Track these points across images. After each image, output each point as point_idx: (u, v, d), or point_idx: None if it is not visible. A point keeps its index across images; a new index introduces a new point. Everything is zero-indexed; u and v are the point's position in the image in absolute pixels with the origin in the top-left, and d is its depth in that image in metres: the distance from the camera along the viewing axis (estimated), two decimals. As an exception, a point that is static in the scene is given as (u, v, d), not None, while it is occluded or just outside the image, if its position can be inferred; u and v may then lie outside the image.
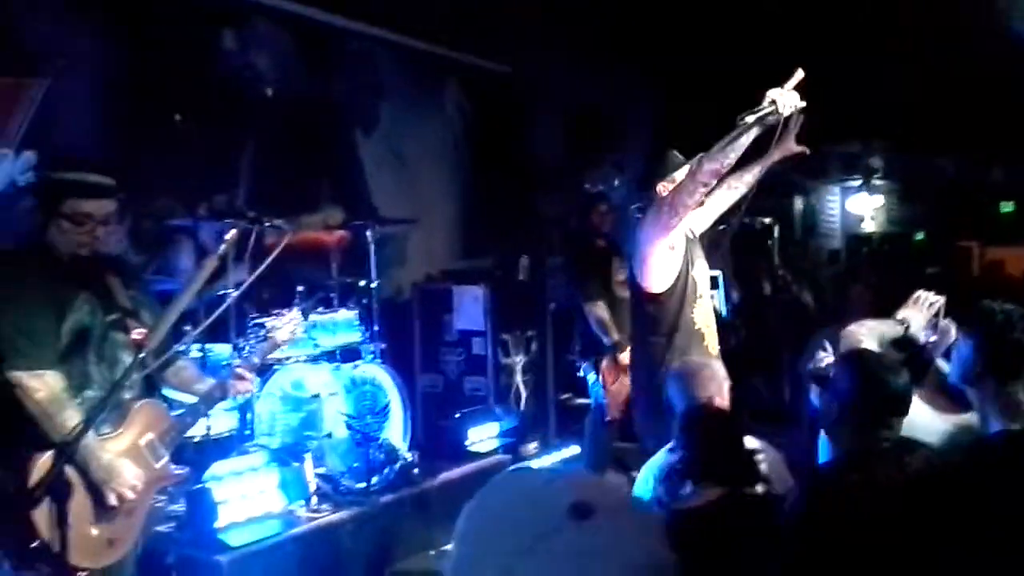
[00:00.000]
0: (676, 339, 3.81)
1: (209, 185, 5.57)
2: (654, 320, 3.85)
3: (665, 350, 3.80)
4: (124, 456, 2.80)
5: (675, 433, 3.06)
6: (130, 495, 2.74)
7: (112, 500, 2.72)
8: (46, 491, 2.53)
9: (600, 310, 5.47)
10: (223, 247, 2.90)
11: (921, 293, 3.32)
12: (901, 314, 3.29)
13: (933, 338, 3.31)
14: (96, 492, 2.71)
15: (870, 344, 3.07)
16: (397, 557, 4.93)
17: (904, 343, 3.22)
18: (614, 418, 5.43)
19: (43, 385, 2.67)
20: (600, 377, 5.50)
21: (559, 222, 8.41)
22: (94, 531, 2.73)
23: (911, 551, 2.07)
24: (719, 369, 3.46)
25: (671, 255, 3.78)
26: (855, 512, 2.15)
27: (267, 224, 3.15)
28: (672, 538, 0.99)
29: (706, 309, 3.93)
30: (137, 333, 2.88)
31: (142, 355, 2.67)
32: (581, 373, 5.79)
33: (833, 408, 2.48)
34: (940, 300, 3.30)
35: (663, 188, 3.82)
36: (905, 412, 2.43)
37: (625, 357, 5.23)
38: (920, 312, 3.28)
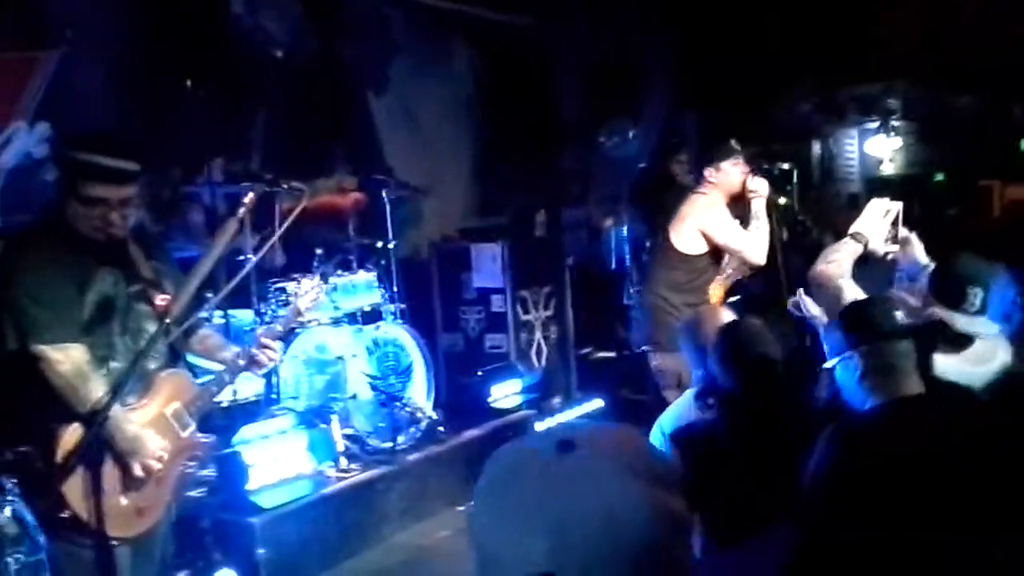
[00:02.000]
0: (694, 300, 4.34)
1: (221, 150, 5.56)
2: (679, 279, 4.44)
3: (683, 310, 4.27)
4: (150, 426, 2.80)
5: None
6: (156, 466, 2.75)
7: (138, 471, 2.72)
8: (75, 464, 2.53)
9: None
10: (242, 210, 2.85)
11: (874, 202, 3.32)
12: (854, 228, 3.27)
13: (894, 247, 3.26)
14: (123, 462, 2.72)
15: (847, 274, 3.06)
16: (426, 513, 4.99)
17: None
18: None
19: (67, 358, 2.66)
20: None
21: (575, 175, 8.37)
22: (123, 501, 2.75)
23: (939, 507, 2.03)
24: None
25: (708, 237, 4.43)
26: (886, 465, 2.11)
27: (285, 186, 3.09)
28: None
29: (724, 286, 4.52)
30: (161, 299, 2.85)
31: (167, 322, 2.64)
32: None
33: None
34: (897, 206, 3.27)
35: (710, 173, 4.47)
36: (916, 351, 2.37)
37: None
38: (874, 222, 3.26)
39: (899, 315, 2.35)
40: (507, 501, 1.00)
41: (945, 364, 2.59)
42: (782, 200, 4.62)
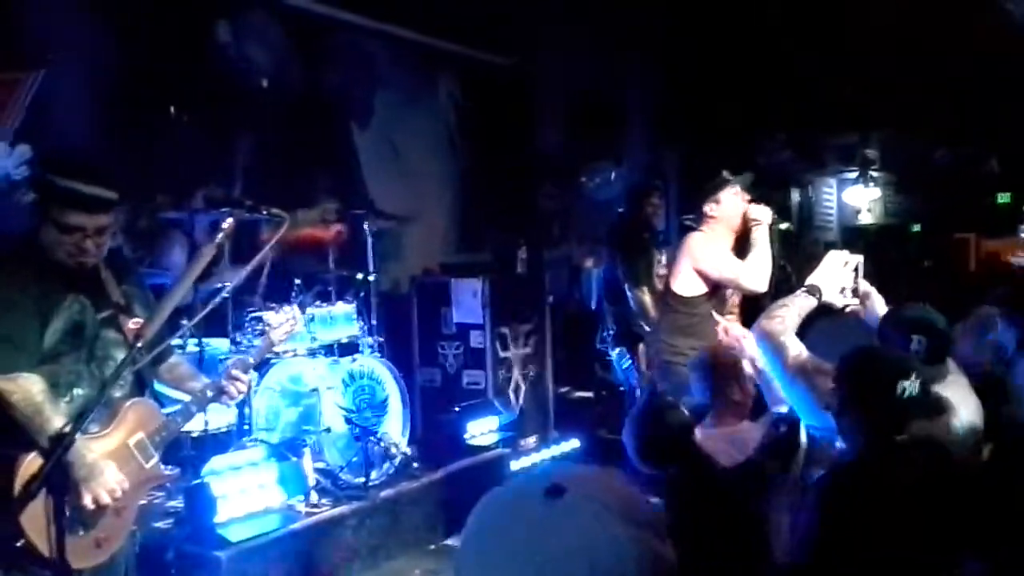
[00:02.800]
0: (700, 345, 4.07)
1: (204, 178, 5.53)
2: (682, 322, 4.35)
3: (689, 353, 4.06)
4: (111, 456, 2.73)
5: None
6: (105, 499, 2.65)
7: (87, 502, 2.62)
8: (33, 492, 2.44)
9: (645, 295, 5.73)
10: (220, 235, 2.81)
11: (833, 254, 3.27)
12: (810, 280, 3.20)
13: (854, 301, 3.22)
14: (79, 492, 2.64)
15: (790, 330, 2.98)
16: (397, 551, 4.90)
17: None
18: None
19: (17, 388, 2.60)
20: (635, 361, 5.63)
21: (557, 215, 8.39)
22: (81, 532, 2.67)
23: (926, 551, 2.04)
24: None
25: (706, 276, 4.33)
26: (870, 511, 2.11)
27: (265, 212, 3.05)
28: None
29: (736, 325, 4.22)
30: (133, 323, 2.80)
31: (139, 345, 2.58)
32: (614, 357, 5.90)
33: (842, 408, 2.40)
34: (856, 259, 3.23)
35: (710, 208, 4.34)
36: (921, 416, 2.36)
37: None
38: (832, 275, 3.19)
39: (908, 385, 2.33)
40: (494, 549, 0.98)
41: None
42: (784, 225, 4.48)
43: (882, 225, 10.53)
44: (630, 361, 5.71)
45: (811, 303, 3.12)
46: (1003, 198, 10.04)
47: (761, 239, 4.27)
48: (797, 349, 2.91)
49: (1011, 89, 7.58)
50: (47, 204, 2.67)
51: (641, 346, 5.66)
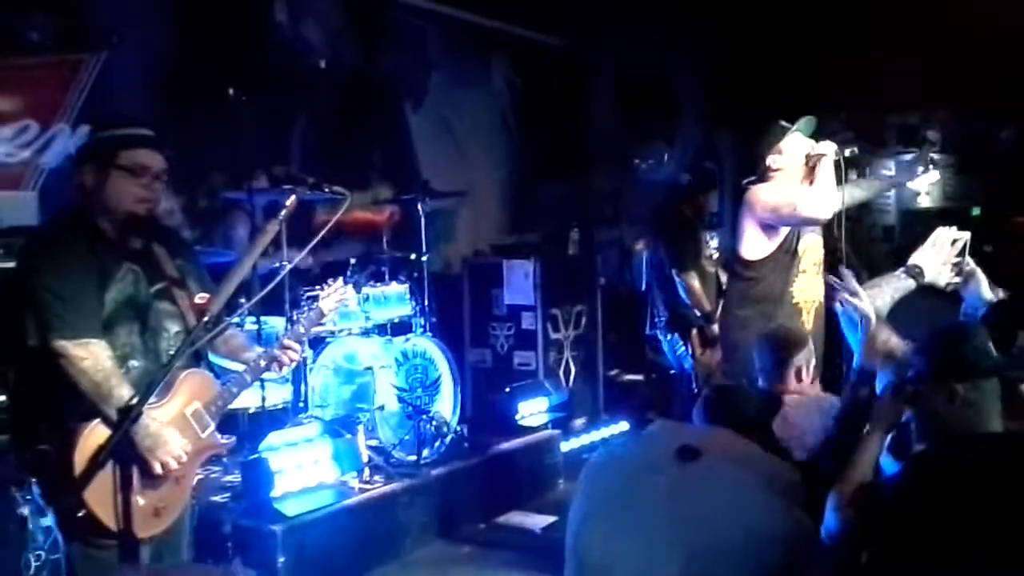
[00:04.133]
0: (772, 311, 3.83)
1: (261, 159, 5.59)
2: (749, 290, 3.95)
3: (759, 322, 3.82)
4: (170, 424, 2.78)
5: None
6: (174, 464, 2.72)
7: (157, 469, 2.70)
8: (95, 463, 2.47)
9: (693, 280, 5.59)
10: (283, 213, 2.85)
11: (940, 231, 3.06)
12: (913, 260, 3.01)
13: (957, 279, 3.03)
14: (141, 461, 2.69)
15: (880, 309, 2.82)
16: (448, 528, 4.96)
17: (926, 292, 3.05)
18: (701, 388, 5.45)
19: (88, 354, 2.64)
20: (689, 347, 5.56)
21: (610, 196, 8.36)
22: (141, 501, 2.71)
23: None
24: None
25: (771, 230, 3.91)
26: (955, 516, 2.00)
27: (327, 190, 3.08)
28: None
29: (810, 284, 3.93)
30: (199, 298, 2.85)
31: (205, 319, 2.62)
32: (665, 343, 5.83)
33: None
34: (964, 236, 3.04)
35: (772, 160, 3.91)
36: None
37: (714, 328, 5.36)
38: (938, 254, 3.01)
39: (993, 350, 2.24)
40: (629, 516, 0.93)
41: None
42: (849, 152, 3.90)
43: (941, 208, 10.30)
44: (684, 346, 5.65)
45: (909, 285, 2.96)
46: (1067, 180, 9.76)
47: (824, 168, 3.84)
48: (886, 334, 2.75)
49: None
50: (112, 154, 2.75)
51: (694, 331, 5.59)
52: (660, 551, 0.92)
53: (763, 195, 3.90)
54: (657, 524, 0.92)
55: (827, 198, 3.81)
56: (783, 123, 3.95)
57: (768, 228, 3.91)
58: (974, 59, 7.72)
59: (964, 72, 7.87)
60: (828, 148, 3.89)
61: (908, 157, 10.11)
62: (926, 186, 10.27)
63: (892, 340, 2.74)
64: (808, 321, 3.89)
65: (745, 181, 4.03)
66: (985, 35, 7.48)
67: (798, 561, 0.88)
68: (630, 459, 0.99)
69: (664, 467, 0.95)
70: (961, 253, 3.04)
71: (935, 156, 10.03)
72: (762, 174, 3.97)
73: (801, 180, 3.92)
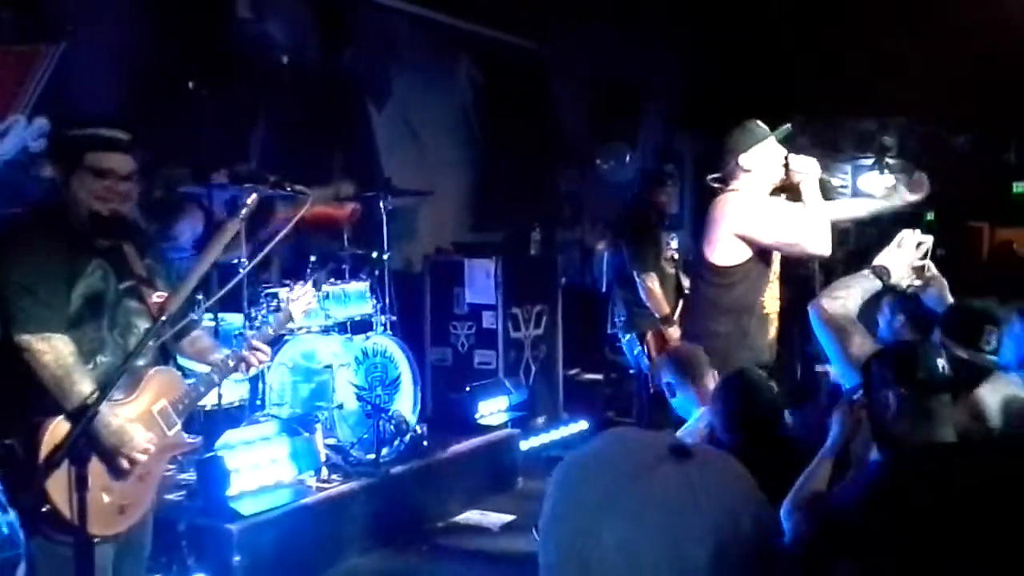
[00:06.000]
0: (746, 323, 3.65)
1: (221, 154, 5.55)
2: (720, 298, 3.68)
3: (730, 333, 3.64)
4: (136, 422, 2.77)
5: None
6: (141, 458, 2.72)
7: (124, 464, 2.69)
8: (59, 459, 2.47)
9: (652, 281, 5.60)
10: (244, 211, 2.85)
11: (906, 233, 3.04)
12: (879, 261, 3.00)
13: (918, 282, 3.05)
14: (106, 458, 2.68)
15: (853, 314, 2.85)
16: (407, 528, 4.96)
17: (888, 294, 3.09)
18: (656, 388, 5.49)
19: (50, 348, 2.63)
20: (645, 348, 5.61)
21: (572, 197, 8.39)
22: (106, 498, 2.71)
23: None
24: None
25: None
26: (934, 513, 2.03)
27: (288, 188, 3.08)
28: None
29: (775, 293, 3.77)
30: (158, 296, 2.84)
31: (164, 318, 2.62)
32: (624, 343, 5.88)
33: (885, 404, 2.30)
34: (927, 240, 3.04)
35: (744, 160, 3.63)
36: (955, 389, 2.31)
37: (673, 331, 5.40)
38: (904, 256, 3.01)
39: (943, 364, 2.28)
40: (651, 513, 0.91)
41: (988, 395, 2.55)
42: (835, 182, 3.89)
43: (895, 213, 10.46)
44: (640, 348, 5.71)
45: (876, 285, 2.94)
46: (1019, 187, 9.99)
47: (812, 194, 3.61)
48: (863, 337, 2.78)
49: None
50: (78, 155, 2.73)
51: (650, 333, 5.63)
52: (684, 542, 0.92)
53: (753, 219, 3.61)
54: (679, 515, 0.92)
55: (828, 231, 3.59)
56: (760, 124, 3.71)
57: (738, 241, 3.65)
58: (930, 64, 7.87)
59: (919, 77, 8.02)
60: (811, 167, 3.65)
61: (866, 162, 10.28)
62: (882, 190, 10.44)
63: (867, 344, 2.78)
64: (771, 332, 3.77)
65: (710, 178, 3.82)
66: (940, 40, 7.63)
67: (780, 548, 0.93)
68: (619, 458, 0.98)
69: (662, 464, 0.95)
70: (924, 256, 3.06)
71: (890, 161, 10.21)
72: (729, 173, 3.71)
73: (769, 187, 3.70)
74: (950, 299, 3.22)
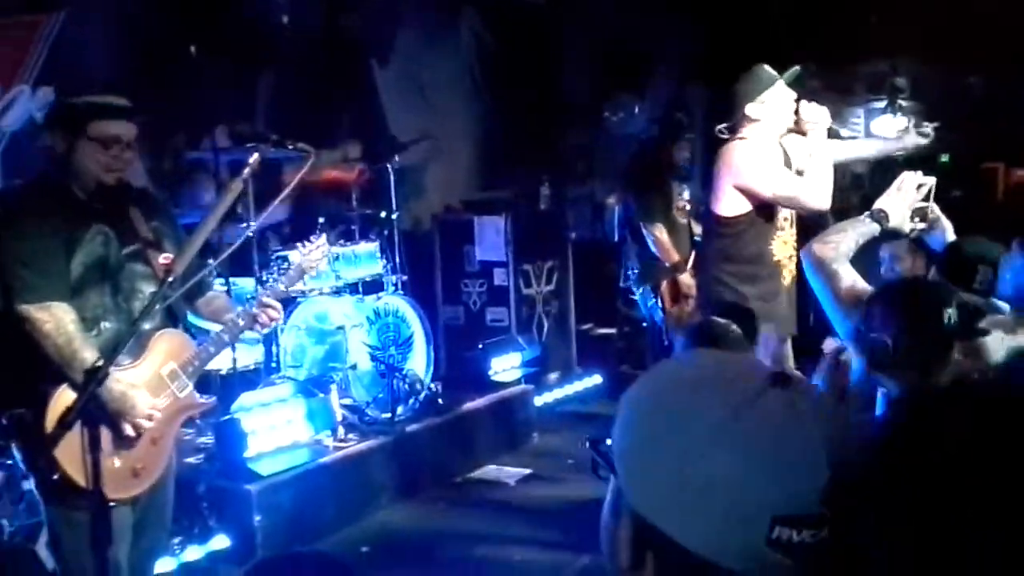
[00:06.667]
0: (753, 272, 3.66)
1: (227, 118, 5.53)
2: (728, 249, 3.70)
3: (741, 282, 3.66)
4: (143, 386, 2.78)
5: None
6: (145, 424, 2.73)
7: (128, 430, 2.70)
8: (66, 426, 2.48)
9: (660, 232, 5.57)
10: (247, 171, 2.82)
11: (906, 175, 2.95)
12: (878, 205, 2.92)
13: (921, 225, 2.96)
14: (111, 423, 2.69)
15: (844, 257, 2.75)
16: (424, 484, 5.02)
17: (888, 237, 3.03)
18: (670, 340, 5.48)
19: (51, 317, 2.64)
20: (659, 299, 5.59)
21: (581, 151, 8.33)
22: (117, 462, 2.73)
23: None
24: None
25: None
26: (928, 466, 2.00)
27: (291, 146, 3.05)
28: None
29: (787, 240, 3.75)
30: (164, 259, 2.83)
31: (170, 279, 2.62)
32: (638, 296, 5.86)
33: (880, 347, 2.23)
34: (930, 181, 2.95)
35: (752, 110, 3.59)
36: (965, 338, 2.24)
37: (685, 278, 5.44)
38: (903, 199, 2.93)
39: (951, 312, 2.22)
40: (761, 445, 0.90)
41: (995, 346, 2.52)
42: (845, 132, 3.72)
43: (909, 156, 10.36)
44: (654, 299, 5.69)
45: (874, 229, 2.86)
46: (1035, 127, 9.84)
47: (819, 146, 3.57)
48: (851, 278, 2.70)
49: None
50: (81, 124, 2.73)
51: (664, 284, 5.62)
52: (795, 474, 0.91)
53: (753, 171, 3.59)
54: (788, 447, 0.90)
55: (828, 186, 3.58)
56: (768, 69, 3.62)
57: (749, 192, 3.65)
58: (943, 4, 7.73)
59: (933, 18, 7.88)
60: (821, 116, 3.60)
61: (879, 105, 10.15)
62: (895, 133, 10.31)
63: (858, 285, 2.74)
64: (786, 278, 3.75)
65: (718, 128, 3.77)
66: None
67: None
68: (725, 386, 0.95)
69: (766, 392, 0.93)
70: (926, 198, 2.97)
71: (903, 103, 10.07)
72: (737, 122, 3.66)
73: (779, 135, 3.67)
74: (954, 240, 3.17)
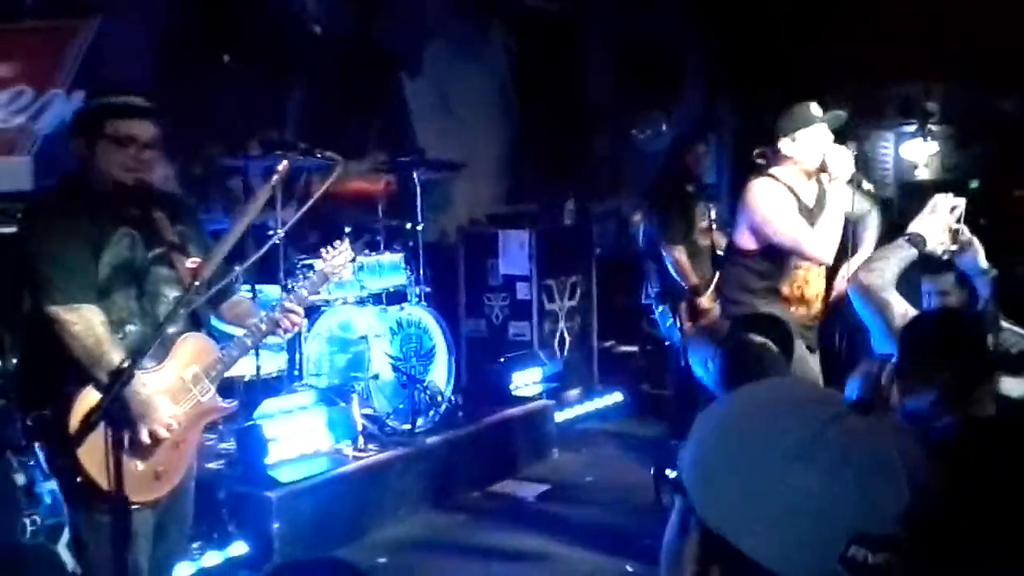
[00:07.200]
0: (766, 304, 3.65)
1: (257, 126, 5.58)
2: (743, 277, 3.77)
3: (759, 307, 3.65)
4: (165, 391, 2.78)
5: None
6: (163, 433, 2.72)
7: (144, 437, 2.69)
8: (90, 428, 2.48)
9: (680, 253, 5.56)
10: (275, 177, 2.84)
11: (939, 197, 2.94)
12: (913, 228, 2.90)
13: (953, 247, 2.92)
14: (134, 427, 2.69)
15: (891, 286, 2.74)
16: (443, 497, 5.00)
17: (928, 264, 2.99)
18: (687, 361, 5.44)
19: (79, 319, 2.65)
20: (677, 320, 5.56)
21: (608, 166, 8.32)
22: (140, 466, 2.73)
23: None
24: None
25: None
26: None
27: (319, 155, 3.07)
28: None
29: (806, 277, 3.76)
30: (191, 263, 2.84)
31: (196, 283, 2.62)
32: (657, 315, 5.84)
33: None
34: (960, 203, 2.93)
35: (784, 146, 3.65)
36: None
37: (704, 301, 5.43)
38: (937, 221, 2.90)
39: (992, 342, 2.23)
40: (847, 465, 0.91)
41: (1011, 386, 2.46)
42: (867, 186, 3.73)
43: (939, 181, 10.29)
44: (673, 320, 5.66)
45: (912, 254, 2.83)
46: (1067, 155, 9.73)
47: (834, 199, 3.59)
48: (903, 307, 2.68)
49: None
50: (99, 123, 2.75)
51: (683, 305, 5.58)
52: (879, 496, 0.92)
53: (765, 211, 3.65)
54: (873, 469, 0.92)
55: (833, 240, 3.59)
56: (812, 108, 3.66)
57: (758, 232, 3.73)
58: (974, 29, 7.67)
59: (964, 42, 7.83)
60: (844, 168, 3.60)
61: (909, 129, 10.09)
62: (925, 158, 10.25)
63: (910, 313, 2.66)
64: (808, 316, 3.78)
65: (755, 152, 3.86)
66: (985, 4, 7.44)
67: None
68: (809, 407, 0.96)
69: (848, 416, 0.94)
70: (958, 220, 2.96)
71: (934, 128, 9.99)
72: (771, 154, 3.74)
73: (808, 175, 3.71)
74: (985, 263, 3.11)
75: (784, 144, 3.65)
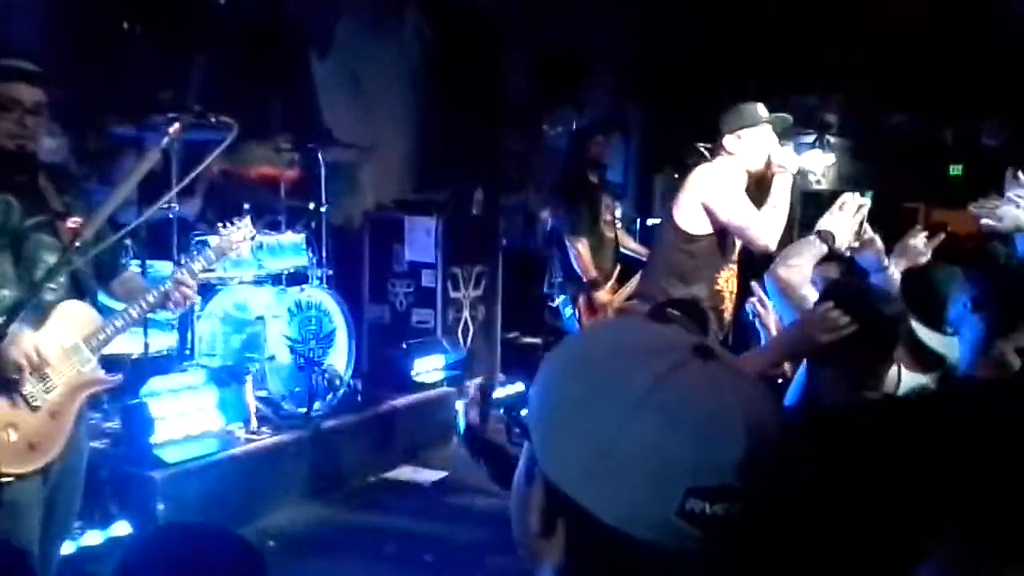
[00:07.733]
0: (696, 291, 3.68)
1: (156, 99, 5.39)
2: (680, 264, 3.74)
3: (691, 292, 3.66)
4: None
5: None
6: (24, 362, 2.59)
7: (12, 374, 2.58)
8: None
9: (583, 246, 5.56)
10: (166, 140, 2.76)
11: (847, 196, 3.03)
12: (823, 225, 2.96)
13: (855, 244, 3.00)
14: (5, 394, 2.60)
15: (808, 282, 2.81)
16: (338, 482, 4.93)
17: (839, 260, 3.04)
18: None
19: None
20: (576, 312, 5.59)
21: (517, 160, 8.34)
22: (12, 435, 2.62)
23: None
24: None
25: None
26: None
27: (213, 119, 2.99)
28: None
29: (732, 274, 3.83)
30: (72, 223, 2.74)
31: (77, 244, 2.52)
32: (558, 305, 5.86)
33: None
34: (866, 202, 3.01)
35: (728, 142, 3.68)
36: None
37: (601, 295, 5.47)
38: (845, 219, 2.96)
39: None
40: (684, 414, 0.88)
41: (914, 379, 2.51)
42: (813, 179, 3.89)
43: (835, 191, 10.64)
44: (572, 311, 5.70)
45: (823, 250, 2.89)
46: (955, 170, 10.21)
47: (782, 191, 3.66)
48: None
49: (971, 59, 7.65)
50: None
51: (582, 297, 5.62)
52: (716, 446, 0.88)
53: (718, 193, 3.67)
54: (710, 418, 0.88)
55: (779, 228, 3.65)
56: (759, 109, 3.70)
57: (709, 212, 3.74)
58: (873, 45, 7.96)
59: (863, 58, 8.12)
60: (790, 162, 3.68)
61: (808, 139, 10.41)
62: (822, 168, 10.59)
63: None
64: (727, 310, 3.81)
65: (700, 145, 3.90)
66: (879, 22, 7.72)
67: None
68: (650, 352, 0.92)
69: (691, 362, 0.90)
70: (862, 220, 3.02)
71: (831, 139, 10.34)
72: (714, 149, 3.78)
73: (748, 172, 3.72)
74: (886, 261, 3.20)
75: (728, 140, 3.69)
